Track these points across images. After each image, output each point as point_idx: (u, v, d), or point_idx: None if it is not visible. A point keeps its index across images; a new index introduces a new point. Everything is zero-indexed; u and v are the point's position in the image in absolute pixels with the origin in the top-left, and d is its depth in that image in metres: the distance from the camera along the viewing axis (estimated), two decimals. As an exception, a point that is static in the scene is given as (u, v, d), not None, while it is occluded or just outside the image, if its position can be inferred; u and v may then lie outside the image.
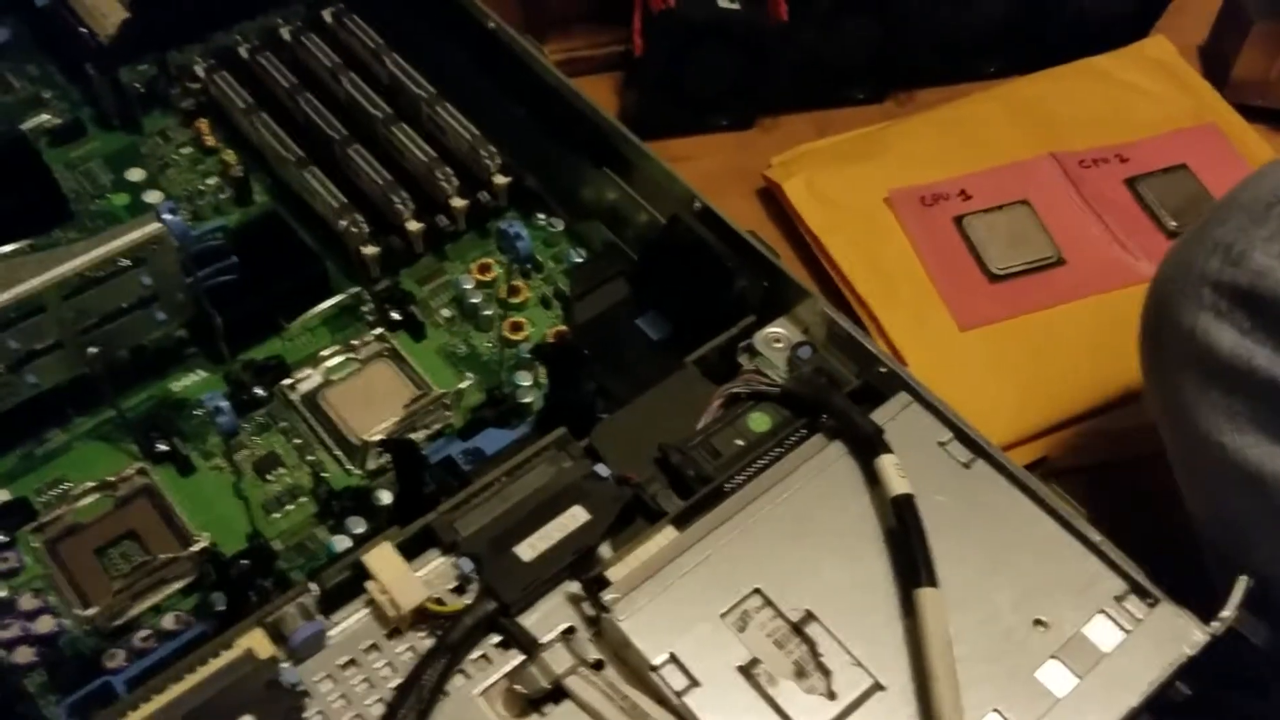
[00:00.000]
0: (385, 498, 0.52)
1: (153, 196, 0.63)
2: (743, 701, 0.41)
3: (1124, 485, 0.60)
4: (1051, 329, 0.63)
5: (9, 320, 0.49)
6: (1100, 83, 0.75)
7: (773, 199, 0.70)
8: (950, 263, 0.64)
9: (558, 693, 0.41)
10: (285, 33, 0.68)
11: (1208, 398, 0.46)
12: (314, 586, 0.43)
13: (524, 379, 0.56)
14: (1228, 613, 0.43)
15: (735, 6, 0.66)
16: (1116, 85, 0.75)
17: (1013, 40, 0.76)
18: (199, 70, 0.66)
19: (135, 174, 0.64)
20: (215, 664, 0.42)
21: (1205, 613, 0.43)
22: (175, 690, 0.42)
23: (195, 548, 0.48)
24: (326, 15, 0.69)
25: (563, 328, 0.59)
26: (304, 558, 0.51)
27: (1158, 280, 0.49)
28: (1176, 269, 0.47)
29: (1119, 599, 0.44)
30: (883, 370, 0.49)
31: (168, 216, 0.49)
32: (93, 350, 0.51)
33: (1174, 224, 0.67)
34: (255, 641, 0.42)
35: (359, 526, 0.51)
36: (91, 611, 0.46)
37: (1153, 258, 0.64)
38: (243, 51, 0.67)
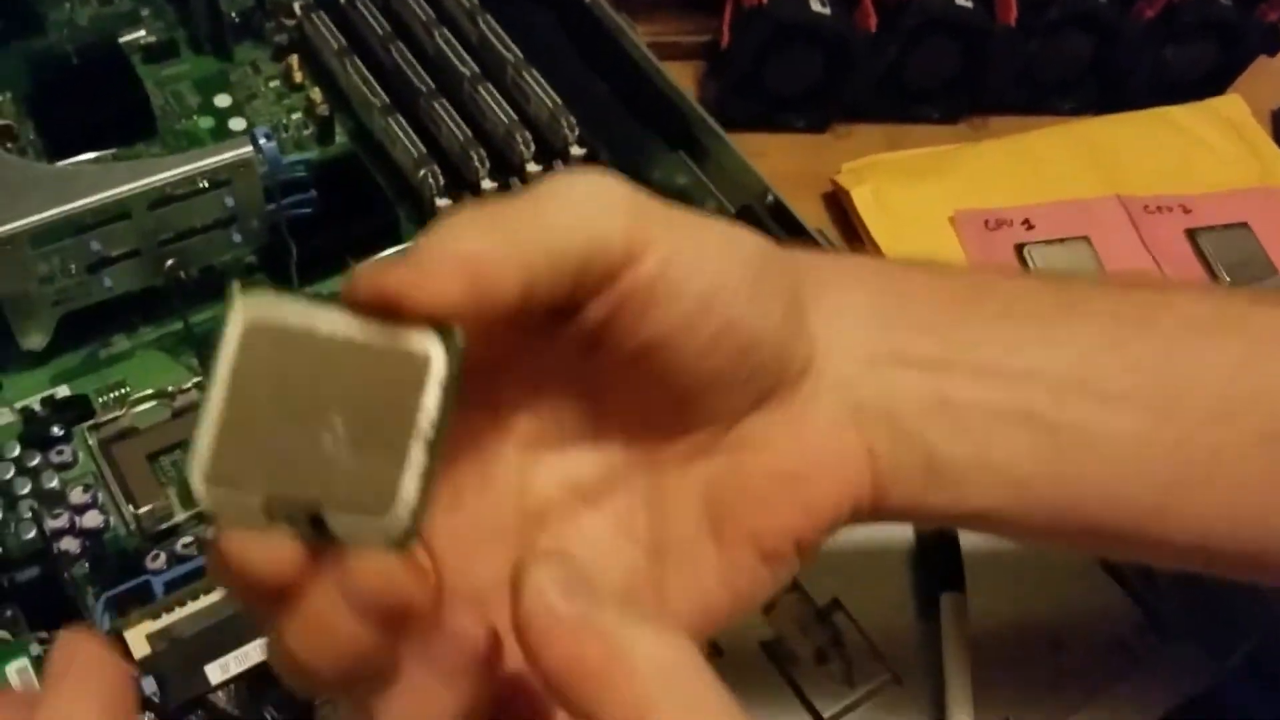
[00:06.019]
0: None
1: (237, 124, 0.65)
2: (763, 676, 0.42)
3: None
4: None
5: (95, 222, 0.51)
6: (1172, 134, 0.75)
7: (837, 203, 0.71)
8: (1005, 288, 0.65)
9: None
10: (384, -19, 0.70)
11: None
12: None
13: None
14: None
15: (826, 11, 0.67)
16: (1187, 138, 0.75)
17: (1092, 81, 0.76)
18: (296, 8, 0.68)
19: (223, 100, 0.66)
20: (259, 574, 0.43)
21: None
22: (214, 596, 0.43)
23: (250, 462, 0.49)
24: (426, -31, 0.70)
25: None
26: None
27: None
28: None
29: (1139, 630, 0.45)
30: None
31: (263, 142, 0.50)
32: (170, 262, 0.53)
33: (1229, 279, 0.68)
34: (300, 558, 0.43)
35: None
36: (145, 510, 0.48)
37: (1204, 310, 0.65)
38: (341, -6, 0.69)
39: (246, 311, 0.25)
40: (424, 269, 0.25)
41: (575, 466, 0.32)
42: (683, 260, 0.29)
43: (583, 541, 0.31)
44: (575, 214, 0.28)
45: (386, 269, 0.25)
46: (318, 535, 0.25)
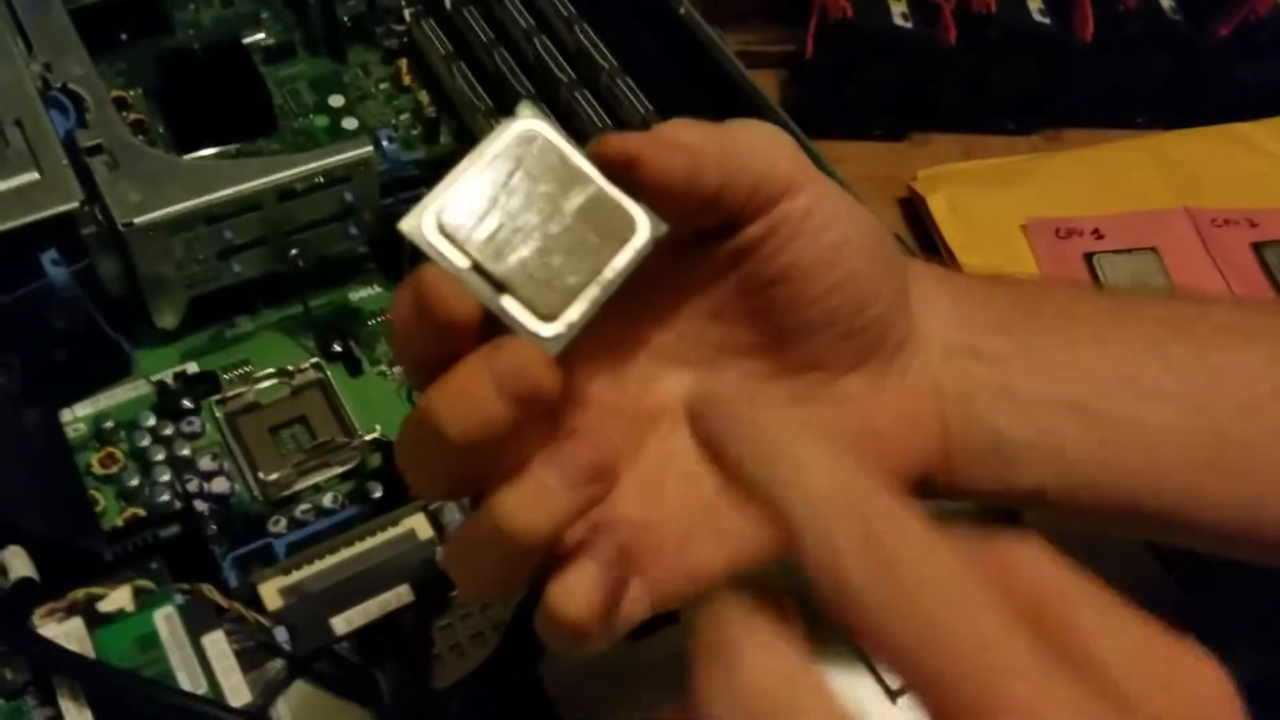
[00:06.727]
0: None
1: (350, 123, 0.69)
2: (836, 646, 0.45)
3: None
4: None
5: (228, 213, 0.55)
6: (1244, 149, 0.77)
7: (912, 209, 0.74)
8: (1074, 295, 0.68)
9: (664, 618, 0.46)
10: (488, -10, 0.74)
11: None
12: (473, 486, 0.48)
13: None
14: None
15: (909, 25, 0.70)
16: (1259, 154, 0.77)
17: (1165, 96, 0.79)
18: (406, 14, 0.72)
19: (336, 100, 0.70)
20: (379, 538, 0.47)
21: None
22: (339, 555, 0.48)
23: (369, 437, 0.53)
24: (527, -21, 0.74)
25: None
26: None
27: None
28: None
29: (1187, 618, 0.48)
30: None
31: (385, 143, 0.54)
32: (294, 252, 0.57)
33: (1293, 291, 0.70)
34: (417, 523, 0.47)
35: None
36: (274, 477, 0.52)
37: (1268, 320, 0.67)
38: (447, 2, 0.73)
39: (528, 121, 0.32)
40: (659, 144, 0.32)
41: (692, 388, 0.37)
42: (827, 206, 0.35)
43: (685, 449, 0.36)
44: (757, 143, 0.34)
45: (631, 137, 0.32)
46: (492, 313, 0.30)
